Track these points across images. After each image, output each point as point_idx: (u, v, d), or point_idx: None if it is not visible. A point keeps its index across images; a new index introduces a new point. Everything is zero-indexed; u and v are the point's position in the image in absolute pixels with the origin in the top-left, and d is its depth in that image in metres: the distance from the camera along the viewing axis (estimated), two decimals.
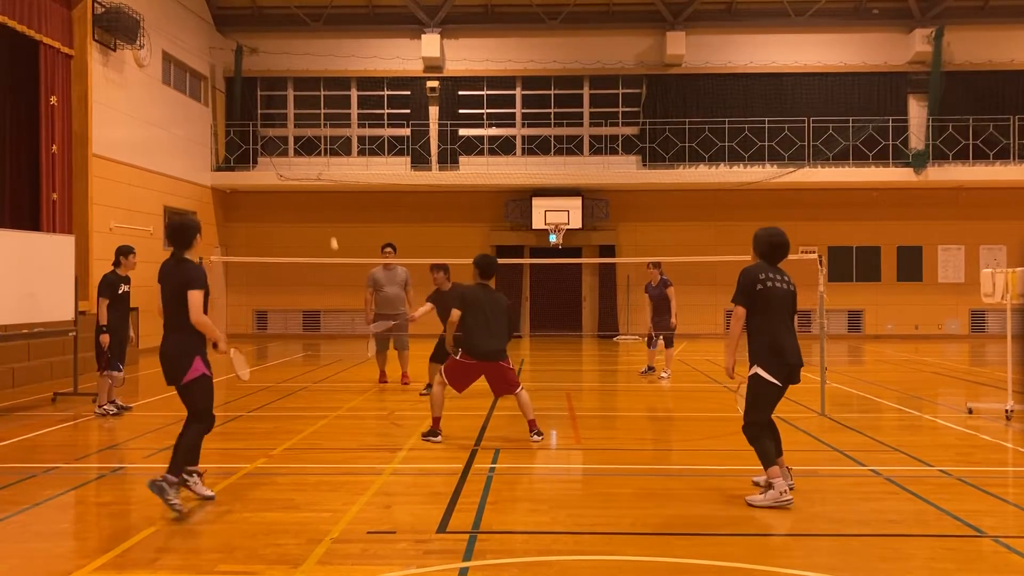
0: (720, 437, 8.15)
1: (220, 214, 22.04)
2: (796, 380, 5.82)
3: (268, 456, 7.22)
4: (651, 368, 13.18)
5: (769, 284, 5.72)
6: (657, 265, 12.68)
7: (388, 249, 12.21)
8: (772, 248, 5.85)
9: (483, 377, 7.92)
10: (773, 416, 5.92)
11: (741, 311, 5.74)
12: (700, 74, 21.91)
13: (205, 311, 5.57)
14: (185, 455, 5.48)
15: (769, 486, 5.59)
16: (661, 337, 12.74)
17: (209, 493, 5.79)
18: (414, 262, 13.28)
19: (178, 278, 5.55)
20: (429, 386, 10.99)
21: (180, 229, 5.67)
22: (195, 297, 5.48)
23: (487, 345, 7.74)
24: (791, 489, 5.73)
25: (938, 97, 21.35)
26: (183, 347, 5.53)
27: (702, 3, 21.63)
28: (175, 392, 5.67)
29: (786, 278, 5.86)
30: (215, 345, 5.62)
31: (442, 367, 8.00)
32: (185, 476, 5.60)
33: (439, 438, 7.86)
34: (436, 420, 7.92)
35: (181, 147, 19.76)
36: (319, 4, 21.75)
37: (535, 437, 7.86)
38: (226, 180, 21.67)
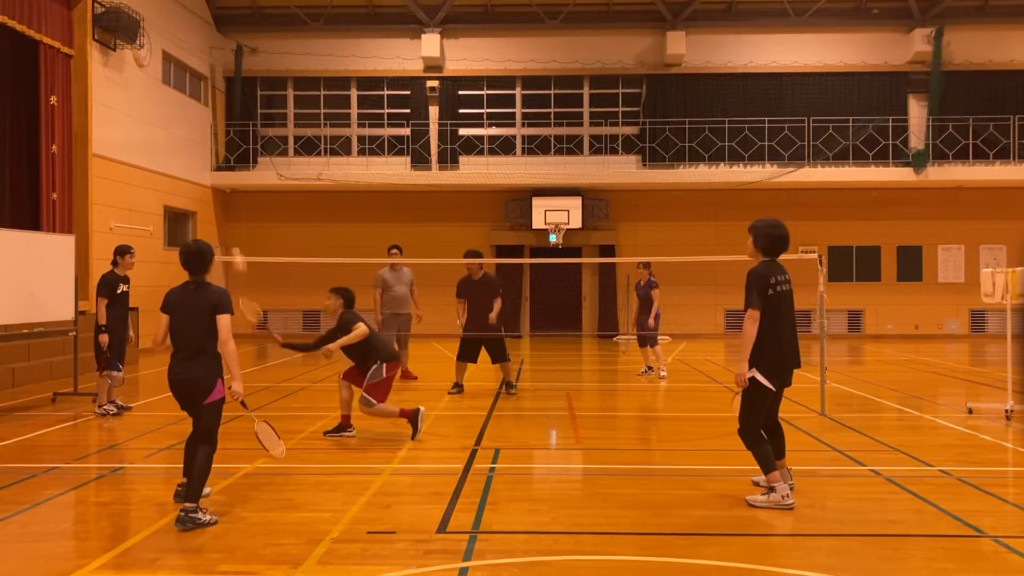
0: (720, 437, 8.15)
1: (220, 214, 22.04)
2: (789, 383, 5.84)
3: (268, 456, 7.21)
4: (650, 368, 13.22)
5: (779, 288, 5.62)
6: (647, 265, 12.74)
7: (395, 250, 12.43)
8: (774, 241, 5.73)
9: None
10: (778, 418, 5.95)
11: (758, 314, 5.53)
12: (700, 74, 21.91)
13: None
14: (202, 481, 5.35)
15: (771, 489, 5.58)
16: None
17: (206, 490, 5.78)
18: (415, 262, 13.32)
19: (205, 302, 5.46)
20: (456, 385, 11.05)
21: (197, 254, 5.58)
22: (228, 321, 5.46)
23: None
24: (791, 489, 5.73)
25: (938, 97, 21.34)
26: (210, 370, 5.43)
27: (702, 3, 21.62)
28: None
29: (787, 277, 5.78)
30: (230, 387, 5.53)
31: (366, 393, 7.90)
32: (180, 487, 5.59)
33: (419, 427, 7.96)
34: (403, 411, 7.99)
35: (181, 147, 19.75)
36: (319, 4, 21.74)
37: (350, 432, 8.13)
38: (226, 180, 21.67)
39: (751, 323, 5.54)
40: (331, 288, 8.21)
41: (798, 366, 5.79)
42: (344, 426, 8.21)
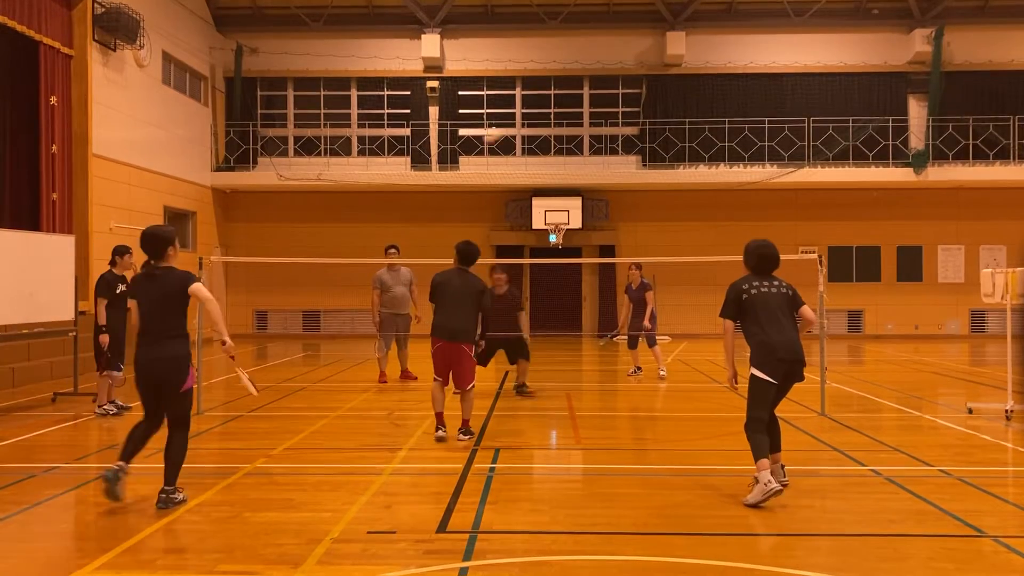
0: (720, 437, 8.15)
1: (220, 214, 22.04)
2: (798, 377, 5.90)
3: (268, 456, 7.22)
4: (639, 369, 13.22)
5: (754, 292, 5.92)
6: (640, 267, 12.75)
7: (392, 251, 12.41)
8: (759, 260, 6.05)
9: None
10: (776, 413, 6.01)
11: (729, 324, 6.00)
12: (700, 74, 21.91)
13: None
14: (180, 463, 5.58)
15: (756, 480, 5.63)
16: (643, 337, 12.80)
17: (180, 496, 5.71)
18: (415, 262, 13.32)
19: (172, 285, 5.54)
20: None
21: (152, 238, 5.64)
22: (200, 286, 5.56)
23: (450, 323, 7.79)
24: (784, 487, 5.77)
25: (938, 97, 21.34)
26: (182, 353, 5.57)
27: (702, 3, 21.62)
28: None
29: (776, 282, 6.01)
30: (223, 342, 5.71)
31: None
32: (118, 470, 5.55)
33: (442, 432, 7.89)
34: (439, 416, 7.95)
35: (181, 147, 19.76)
36: (319, 4, 21.75)
37: (462, 436, 7.84)
38: (226, 180, 21.67)
39: (724, 333, 6.08)
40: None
41: (797, 359, 5.82)
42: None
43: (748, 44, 21.89)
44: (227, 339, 5.70)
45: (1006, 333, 9.57)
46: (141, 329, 5.62)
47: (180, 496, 5.59)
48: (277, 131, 22.47)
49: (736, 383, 6.11)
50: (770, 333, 5.82)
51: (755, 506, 5.57)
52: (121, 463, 5.58)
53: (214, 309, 5.61)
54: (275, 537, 4.97)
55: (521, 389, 11.03)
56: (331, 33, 22.00)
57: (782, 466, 6.09)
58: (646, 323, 12.52)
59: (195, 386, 5.77)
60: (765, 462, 5.65)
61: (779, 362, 5.79)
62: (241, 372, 6.13)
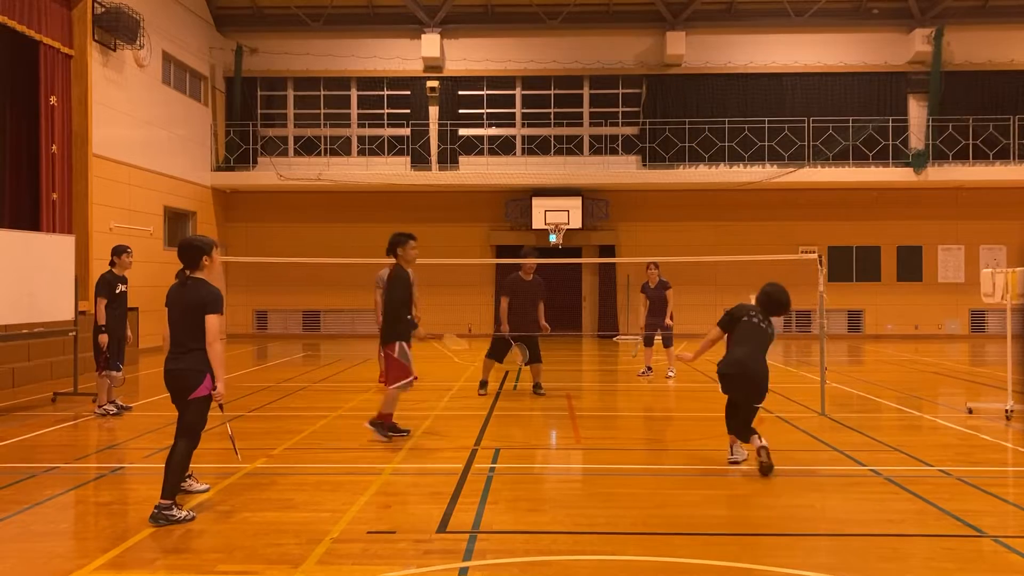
0: (720, 437, 8.12)
1: (220, 214, 22.04)
2: (744, 392, 6.69)
3: (268, 456, 7.22)
4: (650, 368, 13.23)
5: (753, 321, 6.78)
6: (657, 266, 12.81)
7: None
8: (768, 300, 6.80)
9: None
10: (766, 414, 6.24)
11: (717, 331, 6.92)
12: (700, 74, 21.91)
13: None
14: (178, 476, 5.37)
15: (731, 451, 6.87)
16: (659, 336, 12.85)
17: (204, 487, 6.01)
18: (415, 262, 13.29)
19: (196, 300, 5.44)
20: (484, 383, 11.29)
21: (188, 248, 5.55)
22: (215, 322, 5.40)
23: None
24: (737, 464, 6.78)
25: (938, 97, 21.35)
26: (196, 364, 5.42)
27: (702, 3, 21.63)
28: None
29: (769, 321, 6.81)
30: (214, 387, 5.52)
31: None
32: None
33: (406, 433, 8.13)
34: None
35: (181, 147, 19.76)
36: (319, 4, 21.75)
37: (381, 435, 7.94)
38: (226, 180, 21.67)
39: (711, 335, 6.98)
40: None
41: (736, 372, 6.62)
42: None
43: (748, 44, 21.89)
44: (220, 385, 5.49)
45: (1006, 333, 9.57)
46: (170, 339, 5.56)
47: (179, 514, 5.23)
48: (277, 131, 22.47)
49: (688, 360, 7.13)
50: (733, 350, 6.72)
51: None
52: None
53: (217, 352, 5.43)
54: (275, 537, 4.97)
55: (537, 389, 11.14)
56: (331, 33, 22.01)
57: (765, 448, 6.52)
58: (668, 320, 12.62)
59: (209, 396, 5.54)
60: (733, 437, 6.78)
61: (722, 375, 6.71)
62: (230, 430, 6.32)
